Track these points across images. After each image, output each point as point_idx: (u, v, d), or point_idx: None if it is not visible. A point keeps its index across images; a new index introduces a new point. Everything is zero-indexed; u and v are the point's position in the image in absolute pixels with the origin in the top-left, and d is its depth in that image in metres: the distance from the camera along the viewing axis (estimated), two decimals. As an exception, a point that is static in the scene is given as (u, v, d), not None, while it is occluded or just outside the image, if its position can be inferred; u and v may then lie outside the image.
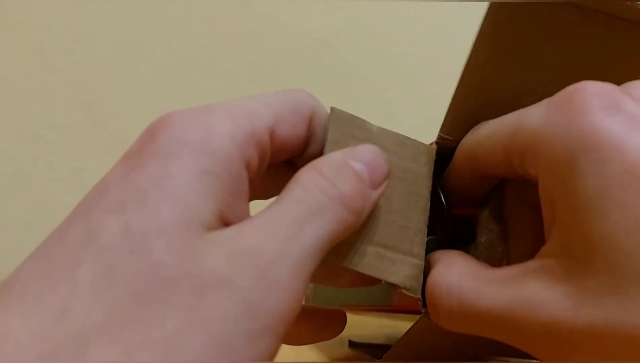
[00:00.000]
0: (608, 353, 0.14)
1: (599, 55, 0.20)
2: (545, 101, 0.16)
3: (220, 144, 0.16)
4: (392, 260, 0.19)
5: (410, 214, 0.20)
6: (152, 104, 0.56)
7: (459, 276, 0.18)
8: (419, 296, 0.19)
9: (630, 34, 0.19)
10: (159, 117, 0.18)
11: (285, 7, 0.58)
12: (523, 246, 0.20)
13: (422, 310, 0.19)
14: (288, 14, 0.58)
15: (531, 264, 0.16)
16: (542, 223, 0.18)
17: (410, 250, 0.20)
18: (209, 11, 0.56)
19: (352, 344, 0.28)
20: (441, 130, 0.21)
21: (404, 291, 0.19)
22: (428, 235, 0.20)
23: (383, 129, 0.20)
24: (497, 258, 0.21)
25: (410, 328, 0.21)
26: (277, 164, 0.20)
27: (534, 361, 0.21)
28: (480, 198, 0.22)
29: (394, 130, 0.21)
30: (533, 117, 0.16)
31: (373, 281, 0.20)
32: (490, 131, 0.19)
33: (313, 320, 0.22)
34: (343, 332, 0.22)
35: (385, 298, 0.23)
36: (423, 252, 0.20)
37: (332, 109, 0.19)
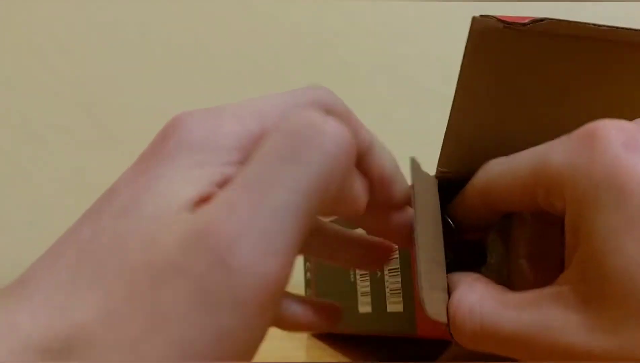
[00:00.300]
0: None
1: (581, 78, 0.21)
2: (565, 138, 0.17)
3: (222, 143, 0.16)
4: (439, 299, 0.20)
5: (437, 248, 0.21)
6: (152, 104, 0.56)
7: (480, 299, 0.18)
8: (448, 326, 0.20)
9: (606, 54, 0.20)
10: (171, 119, 0.17)
11: (285, 6, 0.58)
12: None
13: (452, 340, 0.20)
14: (288, 14, 0.58)
15: (550, 289, 0.17)
16: (543, 249, 0.20)
17: (442, 283, 0.20)
18: (209, 11, 0.56)
19: None
20: (439, 165, 0.22)
21: (442, 323, 0.20)
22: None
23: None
24: (504, 279, 0.21)
25: (440, 359, 0.21)
26: None
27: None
28: (487, 225, 0.23)
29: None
30: (557, 153, 0.17)
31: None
32: (504, 170, 0.19)
33: (359, 249, 0.22)
34: None
35: (407, 326, 0.23)
36: (446, 283, 0.20)
37: (413, 161, 0.20)
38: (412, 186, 0.20)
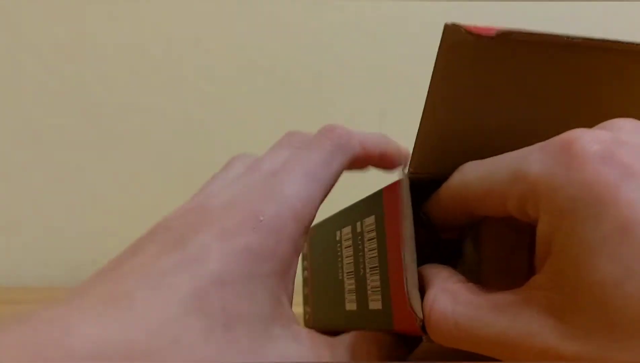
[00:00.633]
0: None
1: (553, 84, 0.21)
2: (541, 147, 0.18)
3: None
4: (412, 295, 0.20)
5: (411, 246, 0.21)
6: (152, 104, 0.56)
7: (453, 300, 0.19)
8: (420, 322, 0.20)
9: (578, 60, 0.20)
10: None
11: (285, 6, 0.58)
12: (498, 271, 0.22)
13: (424, 338, 0.20)
14: (288, 13, 0.58)
15: (523, 294, 0.17)
16: (513, 255, 0.21)
17: (414, 280, 0.21)
18: (208, 11, 0.56)
19: None
20: (410, 166, 0.22)
21: (418, 323, 0.20)
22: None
23: None
24: (476, 276, 0.22)
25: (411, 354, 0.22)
26: None
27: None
28: (463, 225, 0.23)
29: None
30: (531, 164, 0.17)
31: None
32: (480, 175, 0.20)
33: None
34: None
35: (385, 322, 0.23)
36: (417, 279, 0.21)
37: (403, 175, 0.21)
38: (400, 181, 0.20)
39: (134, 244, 0.20)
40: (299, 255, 0.22)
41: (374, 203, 0.24)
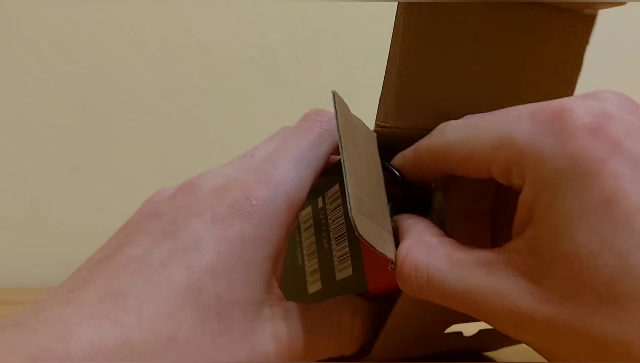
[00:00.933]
0: (561, 342, 0.16)
1: (510, 39, 0.22)
2: (529, 114, 0.17)
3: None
4: (382, 236, 0.20)
5: (378, 191, 0.21)
6: (151, 104, 0.56)
7: (428, 253, 0.19)
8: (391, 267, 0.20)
9: (532, 16, 0.22)
10: None
11: (284, 5, 0.58)
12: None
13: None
14: (287, 13, 0.58)
15: (499, 255, 0.17)
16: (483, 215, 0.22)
17: (386, 224, 0.20)
18: (207, 10, 0.56)
19: None
20: (377, 120, 0.23)
21: (391, 267, 0.20)
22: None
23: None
24: (445, 229, 0.22)
25: (391, 313, 0.21)
26: None
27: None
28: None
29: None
30: (520, 132, 0.17)
31: None
32: (463, 137, 0.19)
33: None
34: None
35: (358, 286, 0.23)
36: (390, 226, 0.21)
37: (335, 94, 0.20)
38: (336, 116, 0.20)
39: (123, 231, 0.20)
40: (290, 237, 0.22)
41: (337, 171, 0.24)
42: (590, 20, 0.22)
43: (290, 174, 0.21)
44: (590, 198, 0.15)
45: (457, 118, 0.21)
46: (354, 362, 0.22)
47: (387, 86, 0.22)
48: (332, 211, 0.24)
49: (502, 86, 0.19)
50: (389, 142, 0.22)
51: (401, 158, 0.22)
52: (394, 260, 0.19)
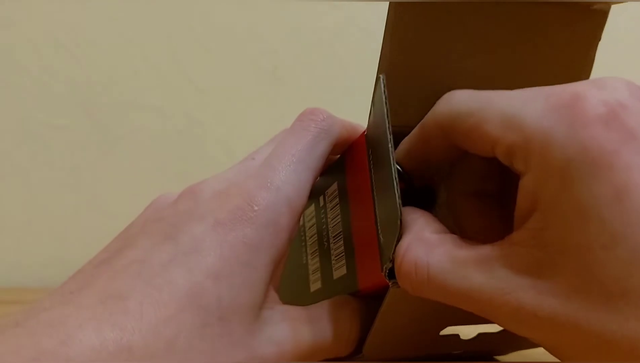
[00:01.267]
0: (566, 338, 0.15)
1: (500, 32, 0.21)
2: (542, 98, 0.17)
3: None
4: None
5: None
6: (152, 105, 0.56)
7: (427, 253, 0.18)
8: (386, 267, 0.19)
9: (523, 11, 0.21)
10: None
11: (285, 6, 0.58)
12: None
13: (390, 283, 0.19)
14: (287, 13, 0.58)
15: (501, 248, 0.17)
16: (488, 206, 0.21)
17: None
18: (208, 10, 0.56)
19: None
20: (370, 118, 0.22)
21: (384, 268, 0.19)
22: None
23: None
24: (450, 222, 0.21)
25: (379, 313, 0.21)
26: None
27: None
28: (438, 167, 0.22)
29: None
30: (530, 114, 0.17)
31: None
32: (471, 109, 0.18)
33: None
34: None
35: (349, 285, 0.22)
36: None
37: (382, 78, 0.20)
38: (384, 102, 0.19)
39: (125, 234, 0.20)
40: (295, 236, 0.22)
41: (336, 170, 0.24)
42: (601, 16, 0.21)
43: (290, 177, 0.21)
44: (602, 190, 0.15)
45: None
46: (347, 361, 0.22)
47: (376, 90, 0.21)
48: (331, 209, 0.24)
49: (501, 84, 0.19)
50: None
51: (407, 139, 0.21)
52: (391, 258, 0.19)
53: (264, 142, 0.25)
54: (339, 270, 0.23)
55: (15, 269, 0.54)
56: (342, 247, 0.23)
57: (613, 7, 0.21)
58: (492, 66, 0.21)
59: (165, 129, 0.56)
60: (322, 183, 0.25)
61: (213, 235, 0.19)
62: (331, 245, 0.24)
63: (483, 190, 0.21)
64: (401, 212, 0.18)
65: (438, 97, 0.20)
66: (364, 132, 0.23)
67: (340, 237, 0.23)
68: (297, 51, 0.58)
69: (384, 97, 0.19)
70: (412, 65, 0.21)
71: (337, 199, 0.24)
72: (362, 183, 0.22)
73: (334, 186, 0.24)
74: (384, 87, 0.20)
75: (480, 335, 0.25)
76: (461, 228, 0.21)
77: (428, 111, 0.20)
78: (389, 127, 0.19)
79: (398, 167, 0.22)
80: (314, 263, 0.26)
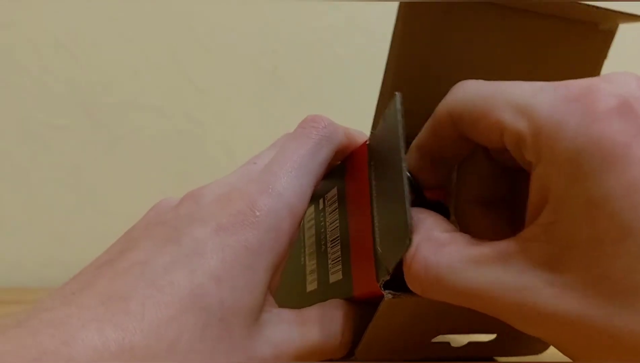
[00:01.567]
0: (576, 337, 0.15)
1: (510, 48, 0.21)
2: (553, 90, 0.17)
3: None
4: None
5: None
6: (152, 105, 0.56)
7: (436, 253, 0.18)
8: (383, 279, 0.19)
9: (534, 26, 0.20)
10: None
11: (285, 6, 0.58)
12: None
13: (384, 293, 0.19)
14: (288, 14, 0.58)
15: (513, 245, 0.16)
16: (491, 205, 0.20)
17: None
18: (208, 10, 0.56)
19: None
20: (373, 128, 0.22)
21: (380, 281, 0.19)
22: None
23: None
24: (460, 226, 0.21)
25: (373, 319, 0.21)
26: None
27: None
28: (449, 165, 0.22)
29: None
30: (541, 104, 0.16)
31: None
32: (482, 96, 0.18)
33: None
34: None
35: (344, 291, 0.23)
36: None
37: (398, 95, 0.20)
38: (397, 118, 0.19)
39: (127, 237, 0.20)
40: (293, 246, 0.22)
41: (337, 175, 0.24)
42: (608, 35, 0.21)
43: (292, 183, 0.21)
44: (612, 183, 0.14)
45: None
46: (340, 362, 0.22)
47: (382, 95, 0.22)
48: (329, 214, 0.25)
49: None
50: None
51: (418, 135, 0.21)
52: (390, 271, 0.19)
53: (264, 142, 0.25)
54: (335, 275, 0.24)
55: (15, 269, 0.54)
56: (339, 253, 0.23)
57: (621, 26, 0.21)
58: (498, 78, 0.22)
59: (165, 129, 0.56)
60: (322, 187, 0.25)
61: (215, 239, 0.19)
62: (329, 249, 0.24)
63: (489, 197, 0.21)
64: (411, 229, 0.18)
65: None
66: (366, 141, 0.23)
67: (337, 242, 0.24)
68: (297, 51, 0.58)
69: (399, 115, 0.19)
70: (414, 78, 0.21)
71: (336, 204, 0.24)
72: (362, 193, 0.22)
73: (334, 191, 0.24)
74: (400, 104, 0.19)
75: (470, 343, 0.25)
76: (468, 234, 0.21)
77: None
78: (402, 144, 0.19)
79: (409, 175, 0.21)
80: (311, 264, 0.26)
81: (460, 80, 0.20)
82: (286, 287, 0.27)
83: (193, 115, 0.56)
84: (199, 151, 0.56)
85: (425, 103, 0.21)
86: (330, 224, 0.24)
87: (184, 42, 0.56)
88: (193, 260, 0.18)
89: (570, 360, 0.16)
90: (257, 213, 0.19)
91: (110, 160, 0.55)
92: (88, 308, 0.16)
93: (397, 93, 0.20)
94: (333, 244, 0.24)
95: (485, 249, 0.17)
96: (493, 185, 0.21)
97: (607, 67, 0.22)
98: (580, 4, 0.20)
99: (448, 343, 0.25)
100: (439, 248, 0.18)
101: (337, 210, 0.24)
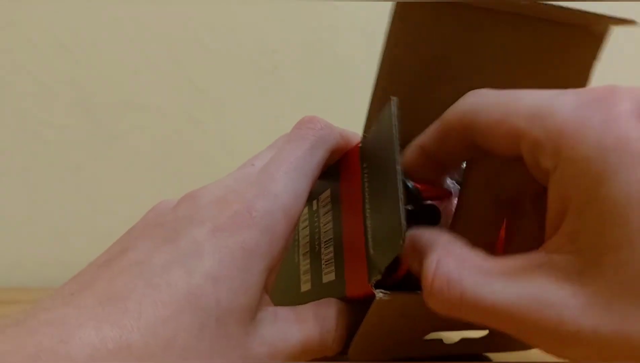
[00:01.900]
0: (611, 356, 0.14)
1: (500, 49, 0.21)
2: (574, 94, 0.16)
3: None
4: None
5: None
6: (152, 105, 0.56)
7: (459, 266, 0.17)
8: (374, 279, 0.20)
9: (524, 28, 0.21)
10: None
11: (285, 6, 0.58)
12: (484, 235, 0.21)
13: (376, 293, 0.20)
14: (287, 14, 0.58)
15: (537, 258, 0.16)
16: (498, 213, 0.20)
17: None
18: (208, 10, 0.56)
19: None
20: (365, 132, 0.23)
21: (372, 280, 0.20)
22: None
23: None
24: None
25: (365, 319, 0.21)
26: None
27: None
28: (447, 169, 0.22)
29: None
30: (561, 107, 0.16)
31: None
32: (498, 103, 0.18)
33: None
34: None
35: (337, 291, 0.23)
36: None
37: (394, 100, 0.20)
38: (392, 124, 0.19)
39: (125, 238, 0.21)
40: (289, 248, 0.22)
41: (330, 177, 0.24)
42: (600, 38, 0.21)
43: (287, 186, 0.21)
44: (638, 185, 0.14)
45: None
46: (332, 362, 0.23)
47: (373, 101, 0.22)
48: (323, 215, 0.25)
49: None
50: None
51: (421, 135, 0.21)
52: (382, 271, 0.19)
53: (264, 142, 0.25)
54: (328, 276, 0.24)
55: (15, 269, 0.54)
56: (332, 254, 0.24)
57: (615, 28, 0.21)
58: (491, 84, 0.22)
59: (165, 129, 0.56)
60: (316, 188, 0.26)
61: (212, 240, 0.19)
62: (322, 249, 0.25)
63: (499, 200, 0.21)
64: (405, 231, 0.18)
65: (435, 115, 0.20)
66: (358, 143, 0.23)
67: (330, 244, 0.24)
68: (297, 51, 0.58)
69: (394, 119, 0.19)
70: (405, 83, 0.21)
71: (330, 206, 0.24)
72: (355, 195, 0.22)
73: (327, 192, 0.25)
74: (395, 108, 0.19)
75: (462, 340, 0.25)
76: (476, 242, 0.20)
77: (424, 127, 0.20)
78: (397, 148, 0.19)
79: (407, 182, 0.21)
80: (305, 264, 0.26)
81: (451, 80, 0.20)
82: (281, 287, 0.27)
83: (193, 115, 0.56)
84: (199, 151, 0.56)
85: (416, 103, 0.21)
86: (324, 226, 0.25)
87: (184, 42, 0.56)
88: (190, 261, 0.18)
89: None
90: (254, 215, 0.20)
91: (110, 160, 0.55)
92: (86, 308, 0.16)
93: (393, 98, 0.20)
94: (326, 245, 0.24)
95: (509, 263, 0.16)
96: (503, 188, 0.21)
97: (599, 70, 0.22)
98: (571, 8, 0.20)
99: (440, 340, 0.25)
100: (461, 263, 0.17)
101: (330, 211, 0.24)
